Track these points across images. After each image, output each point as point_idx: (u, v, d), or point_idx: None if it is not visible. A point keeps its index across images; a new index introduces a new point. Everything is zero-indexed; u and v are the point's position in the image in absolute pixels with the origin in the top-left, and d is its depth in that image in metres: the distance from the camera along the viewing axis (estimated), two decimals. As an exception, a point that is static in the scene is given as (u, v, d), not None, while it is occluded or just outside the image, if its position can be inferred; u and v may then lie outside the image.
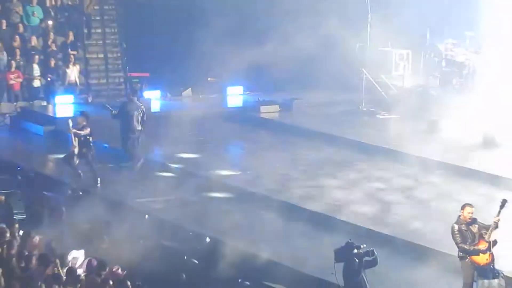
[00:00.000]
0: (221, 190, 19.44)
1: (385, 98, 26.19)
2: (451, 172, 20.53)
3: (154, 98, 26.37)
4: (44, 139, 23.40)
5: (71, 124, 20.36)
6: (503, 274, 13.86)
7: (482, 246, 13.60)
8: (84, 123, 20.47)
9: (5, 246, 15.65)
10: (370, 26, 26.39)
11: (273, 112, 25.64)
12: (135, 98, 22.09)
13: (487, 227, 13.68)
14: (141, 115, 21.35)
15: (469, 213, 13.82)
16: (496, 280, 13.75)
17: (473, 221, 13.76)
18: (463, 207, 13.92)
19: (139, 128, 21.25)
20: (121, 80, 28.10)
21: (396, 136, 22.96)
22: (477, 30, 25.85)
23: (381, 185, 20.06)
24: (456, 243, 13.72)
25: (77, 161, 20.33)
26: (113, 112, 21.51)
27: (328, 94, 26.40)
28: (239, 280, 15.15)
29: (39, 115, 24.91)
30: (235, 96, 26.94)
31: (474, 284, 13.79)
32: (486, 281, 13.70)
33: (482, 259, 13.61)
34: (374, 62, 26.82)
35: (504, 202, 13.60)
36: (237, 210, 18.29)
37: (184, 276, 15.35)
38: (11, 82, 25.53)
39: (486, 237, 13.60)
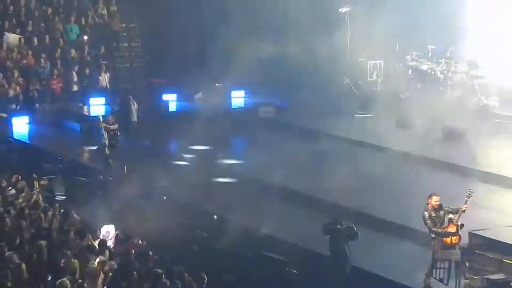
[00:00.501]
0: (227, 176, 19.40)
1: (361, 100, 26.12)
2: (417, 161, 20.47)
3: (170, 100, 26.25)
4: (80, 134, 23.29)
5: (101, 120, 20.33)
6: (458, 245, 13.80)
7: (452, 229, 13.54)
8: (113, 120, 20.45)
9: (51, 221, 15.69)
10: (349, 40, 26.33)
11: (269, 112, 25.52)
12: (130, 97, 22.31)
13: (452, 211, 13.62)
14: (136, 109, 21.72)
15: (435, 201, 13.76)
16: (453, 250, 13.70)
17: (440, 207, 13.68)
18: (430, 196, 13.83)
19: (135, 119, 21.96)
20: (143, 85, 27.98)
21: (371, 131, 23.00)
22: (437, 43, 25.85)
23: (362, 172, 19.92)
24: (428, 228, 13.65)
25: (108, 152, 20.26)
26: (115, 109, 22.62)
27: (314, 97, 26.26)
28: (241, 251, 15.09)
29: (76, 114, 24.82)
30: (238, 99, 26.78)
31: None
32: (444, 251, 13.66)
33: (451, 240, 13.58)
34: (353, 70, 26.79)
35: (470, 192, 13.53)
36: (240, 193, 18.25)
37: (195, 247, 15.31)
38: (53, 86, 25.47)
39: (454, 221, 13.52)
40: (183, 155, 21.12)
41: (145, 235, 15.24)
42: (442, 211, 13.62)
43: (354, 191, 18.32)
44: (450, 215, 13.57)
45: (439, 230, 13.54)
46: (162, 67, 27.84)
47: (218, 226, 16.19)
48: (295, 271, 14.35)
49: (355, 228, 14.21)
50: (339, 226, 14.21)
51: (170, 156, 21.04)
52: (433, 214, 13.58)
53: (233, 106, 26.46)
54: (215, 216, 16.78)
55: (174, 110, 26.07)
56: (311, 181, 19.00)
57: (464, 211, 13.51)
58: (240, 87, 26.45)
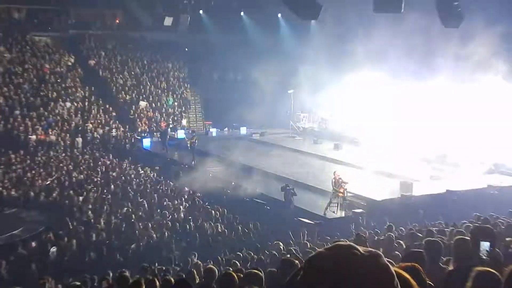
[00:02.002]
0: (237, 166, 19.22)
1: (298, 132, 26.20)
2: (323, 158, 20.47)
3: (213, 132, 26.30)
4: (173, 147, 23.02)
5: (186, 139, 20.12)
6: (343, 196, 13.83)
7: (341, 190, 13.66)
8: (195, 135, 20.04)
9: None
10: (292, 103, 26.40)
11: (257, 136, 25.56)
12: (167, 130, 21.91)
13: (345, 182, 13.73)
14: (170, 134, 21.29)
15: (337, 174, 13.87)
16: (339, 198, 13.71)
17: (340, 179, 13.77)
18: (334, 173, 13.99)
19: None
20: (201, 124, 28.02)
21: (302, 145, 22.93)
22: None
23: (299, 164, 19.56)
24: (332, 187, 13.76)
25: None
26: (158, 135, 22.09)
27: (275, 130, 26.30)
28: (244, 198, 15.21)
29: (172, 137, 24.59)
30: (243, 130, 26.62)
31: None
32: (335, 198, 13.76)
33: (341, 194, 13.67)
34: (294, 118, 26.86)
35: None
36: (243, 173, 18.11)
37: (225, 197, 15.36)
38: (161, 125, 25.45)
39: (343, 186, 13.66)
40: (218, 156, 21.12)
41: (202, 192, 15.47)
42: (340, 180, 13.72)
43: (296, 172, 18.26)
44: (342, 183, 13.71)
45: (336, 189, 13.66)
46: (210, 115, 27.76)
47: (234, 188, 16.23)
48: (268, 207, 14.45)
49: (295, 190, 14.41)
50: (288, 187, 14.38)
51: (213, 156, 21.02)
52: (336, 181, 13.69)
53: (240, 134, 26.44)
54: (232, 183, 16.81)
55: (215, 135, 26.08)
56: (277, 167, 18.89)
57: (347, 183, 13.73)
58: (244, 125, 26.48)
